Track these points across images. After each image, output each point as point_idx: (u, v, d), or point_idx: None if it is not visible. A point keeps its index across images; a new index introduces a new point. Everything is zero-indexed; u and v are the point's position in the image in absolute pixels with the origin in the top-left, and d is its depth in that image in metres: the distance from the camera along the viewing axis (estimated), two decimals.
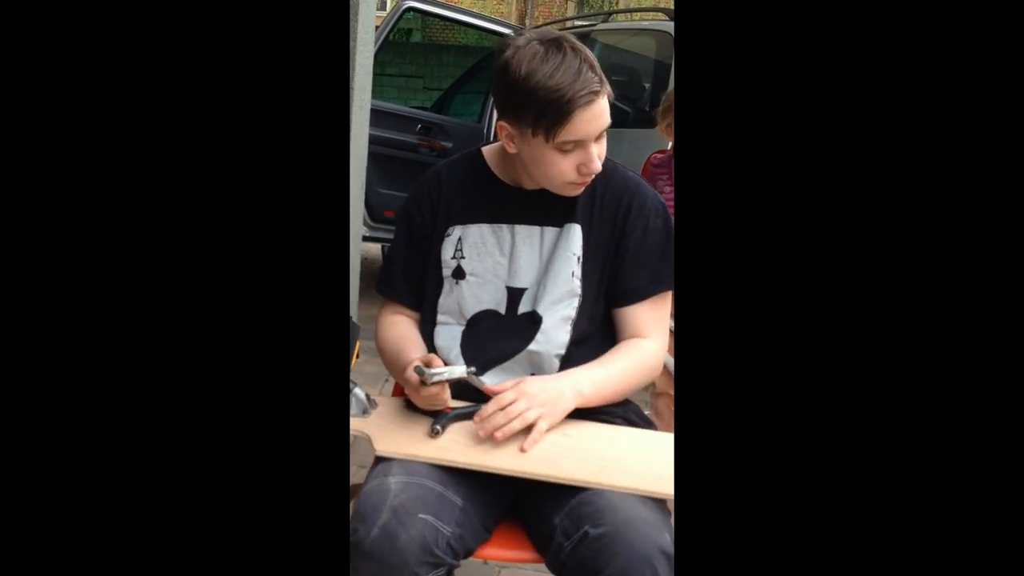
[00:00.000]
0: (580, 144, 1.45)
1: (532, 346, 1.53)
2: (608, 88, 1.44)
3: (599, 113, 1.43)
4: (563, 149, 1.45)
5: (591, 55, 1.44)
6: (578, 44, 1.44)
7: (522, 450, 1.39)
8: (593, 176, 1.50)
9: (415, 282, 1.65)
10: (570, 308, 1.53)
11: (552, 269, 1.54)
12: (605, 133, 1.48)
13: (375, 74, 4.07)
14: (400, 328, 1.65)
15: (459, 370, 1.43)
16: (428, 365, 1.43)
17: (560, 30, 1.51)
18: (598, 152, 1.47)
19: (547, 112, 1.41)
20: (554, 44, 1.42)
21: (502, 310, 1.56)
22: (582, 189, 1.53)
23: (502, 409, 1.42)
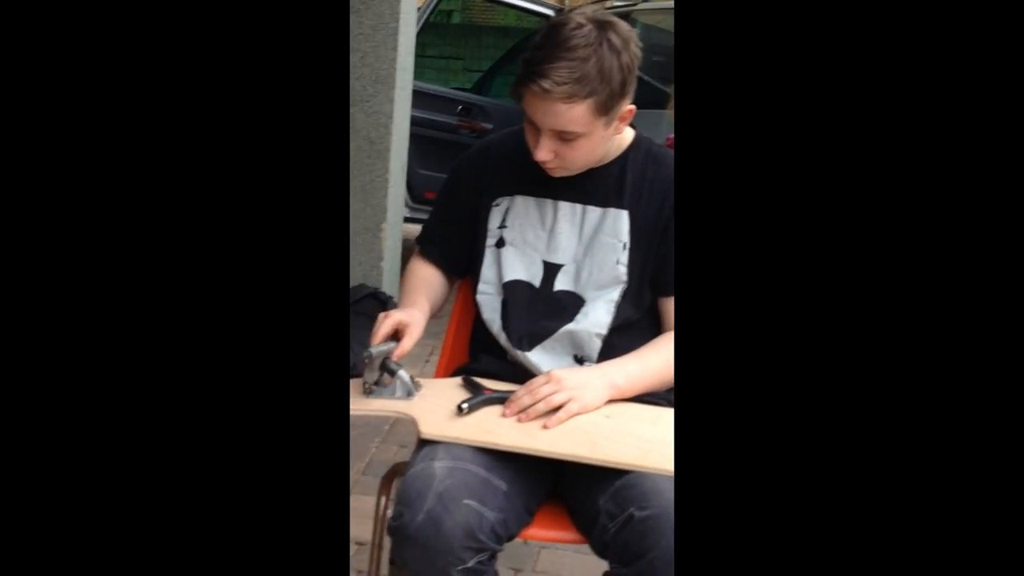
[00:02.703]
0: (531, 122, 1.46)
1: (571, 325, 1.53)
2: (594, 100, 1.39)
3: (552, 112, 1.40)
4: (527, 118, 1.46)
5: (609, 62, 1.38)
6: (610, 45, 1.39)
7: (544, 427, 1.40)
8: (543, 162, 1.48)
9: (451, 243, 1.69)
10: (614, 293, 1.53)
11: (595, 252, 1.54)
12: (580, 138, 1.44)
13: (416, 55, 4.08)
14: (424, 272, 1.71)
15: (386, 350, 1.47)
16: (398, 332, 1.49)
17: (603, 9, 1.47)
18: (553, 146, 1.45)
19: (519, 74, 1.42)
20: (590, 27, 1.39)
21: (536, 283, 1.57)
22: (554, 173, 1.52)
23: (530, 392, 1.43)
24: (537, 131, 1.46)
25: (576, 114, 1.40)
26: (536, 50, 1.40)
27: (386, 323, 1.48)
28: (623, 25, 1.44)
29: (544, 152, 1.46)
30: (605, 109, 1.42)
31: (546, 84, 1.37)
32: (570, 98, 1.38)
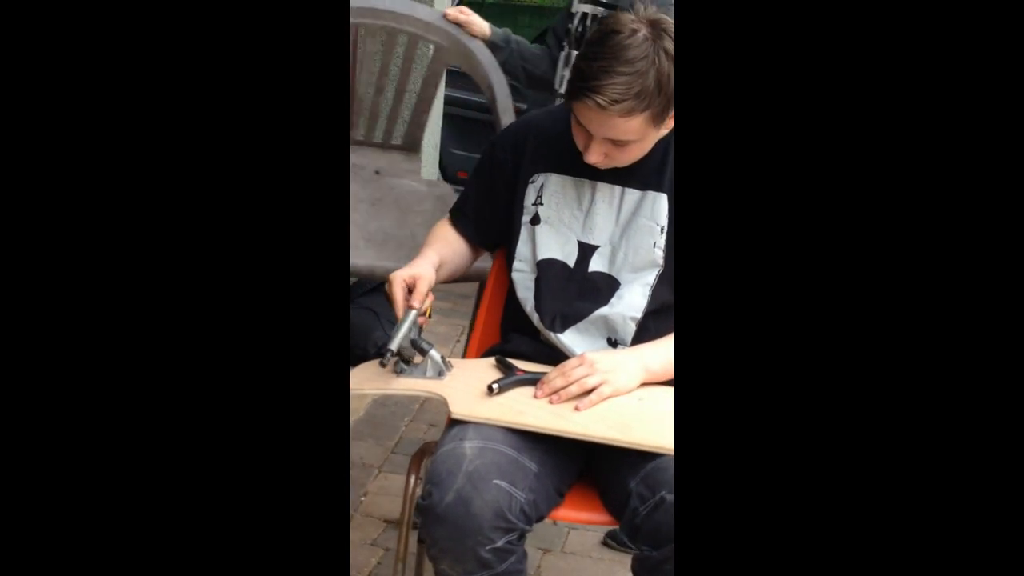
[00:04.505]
0: (580, 126, 1.43)
1: (606, 309, 1.52)
2: (651, 111, 1.37)
3: (607, 124, 1.38)
4: (576, 120, 1.44)
5: (666, 70, 1.35)
6: (666, 52, 1.35)
7: (576, 409, 1.39)
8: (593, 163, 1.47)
9: (483, 215, 1.66)
10: (650, 277, 1.51)
11: (631, 234, 1.52)
12: (633, 143, 1.43)
13: None
14: (445, 232, 1.68)
15: (405, 327, 1.42)
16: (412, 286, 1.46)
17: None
18: (604, 150, 1.43)
19: (572, 82, 1.39)
20: (644, 32, 1.36)
21: (571, 263, 1.56)
22: (601, 166, 1.49)
23: (563, 374, 1.42)
24: (587, 135, 1.44)
25: (633, 125, 1.39)
26: (590, 60, 1.37)
27: (396, 288, 1.45)
28: (670, 21, 1.40)
29: (595, 156, 1.45)
30: (661, 117, 1.40)
31: (602, 101, 1.34)
32: (628, 113, 1.36)
